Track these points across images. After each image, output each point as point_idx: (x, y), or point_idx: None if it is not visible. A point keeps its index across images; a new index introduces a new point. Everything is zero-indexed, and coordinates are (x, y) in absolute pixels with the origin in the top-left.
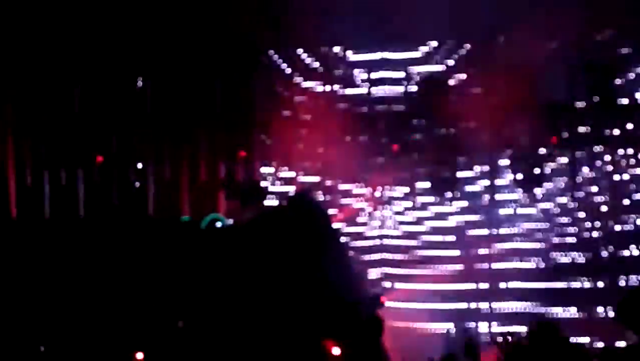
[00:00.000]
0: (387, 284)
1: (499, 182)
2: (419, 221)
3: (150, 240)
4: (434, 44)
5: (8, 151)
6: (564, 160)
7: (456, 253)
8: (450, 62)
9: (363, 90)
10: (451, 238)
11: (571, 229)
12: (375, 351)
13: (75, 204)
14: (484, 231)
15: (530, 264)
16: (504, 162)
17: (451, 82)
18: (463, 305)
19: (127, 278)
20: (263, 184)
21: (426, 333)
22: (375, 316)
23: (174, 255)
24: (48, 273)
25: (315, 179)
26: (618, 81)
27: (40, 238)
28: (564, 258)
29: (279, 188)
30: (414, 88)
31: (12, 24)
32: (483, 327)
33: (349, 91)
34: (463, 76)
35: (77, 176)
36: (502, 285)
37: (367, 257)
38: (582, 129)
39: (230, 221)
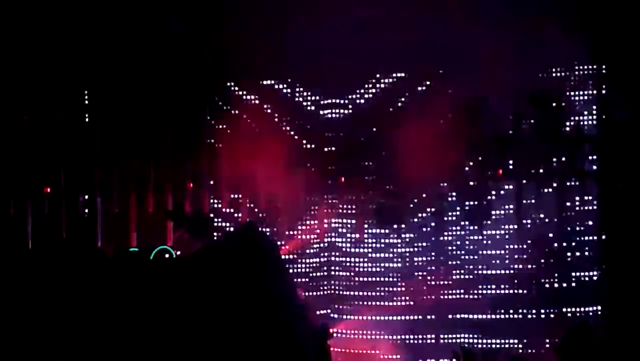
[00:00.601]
0: (334, 315)
1: (446, 213)
2: (366, 252)
3: (98, 271)
4: (383, 78)
5: None
6: (509, 191)
7: (404, 283)
8: (398, 95)
9: (312, 122)
10: (398, 268)
11: (517, 259)
12: None
13: (23, 235)
14: (432, 262)
15: (477, 294)
16: (451, 193)
17: (398, 115)
18: (410, 336)
19: (75, 309)
20: (211, 215)
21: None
22: (323, 348)
23: (122, 285)
24: None
25: (263, 209)
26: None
27: None
28: (510, 288)
29: (227, 218)
30: (361, 121)
31: None
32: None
33: (298, 123)
34: (410, 109)
35: (26, 207)
36: (450, 315)
37: (314, 288)
38: (527, 161)
39: (179, 253)
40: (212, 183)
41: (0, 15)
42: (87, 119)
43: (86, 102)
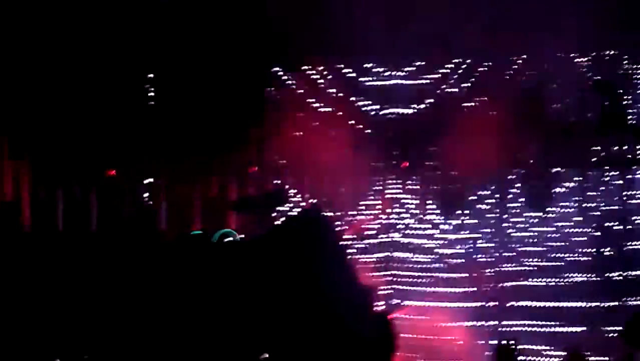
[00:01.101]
0: (396, 300)
1: (509, 201)
2: (428, 238)
3: (160, 254)
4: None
5: (22, 167)
6: (574, 180)
7: (466, 269)
8: (462, 80)
9: (375, 106)
10: (461, 254)
11: (582, 249)
12: None
13: (87, 219)
14: (494, 248)
15: (542, 283)
16: (515, 181)
17: (463, 99)
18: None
19: (138, 292)
20: (278, 192)
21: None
22: (385, 333)
23: (184, 269)
24: (60, 288)
25: (326, 194)
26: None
27: (52, 252)
28: (575, 277)
29: (288, 203)
30: (425, 105)
31: (19, 39)
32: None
33: (361, 106)
34: (475, 94)
35: (90, 191)
36: (512, 304)
37: (375, 273)
38: (593, 149)
39: (241, 236)
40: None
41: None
42: (151, 104)
43: (150, 87)
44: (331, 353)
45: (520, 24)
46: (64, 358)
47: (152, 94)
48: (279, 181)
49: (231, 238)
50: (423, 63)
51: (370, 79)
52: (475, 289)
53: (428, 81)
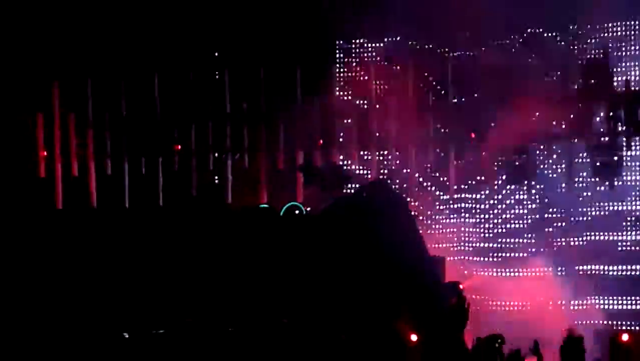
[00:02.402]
0: (465, 271)
1: (576, 169)
2: (496, 209)
3: (228, 227)
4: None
5: (88, 141)
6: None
7: (533, 239)
8: (529, 50)
9: (440, 77)
10: (528, 224)
11: None
12: (455, 340)
13: (154, 193)
14: (561, 218)
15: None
16: (581, 149)
17: (528, 69)
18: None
19: (207, 264)
20: (342, 166)
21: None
22: (458, 304)
23: (253, 242)
24: (129, 261)
25: (393, 167)
26: None
27: (120, 227)
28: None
29: (356, 175)
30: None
31: (91, 17)
32: None
33: (427, 78)
34: (540, 64)
35: (157, 165)
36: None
37: (444, 245)
38: None
39: (309, 209)
40: (341, 140)
41: None
42: (217, 78)
43: (217, 61)
44: (404, 324)
45: None
46: (134, 330)
47: (218, 65)
48: (345, 155)
49: (298, 212)
50: (488, 37)
51: (437, 51)
52: (544, 257)
53: (496, 52)
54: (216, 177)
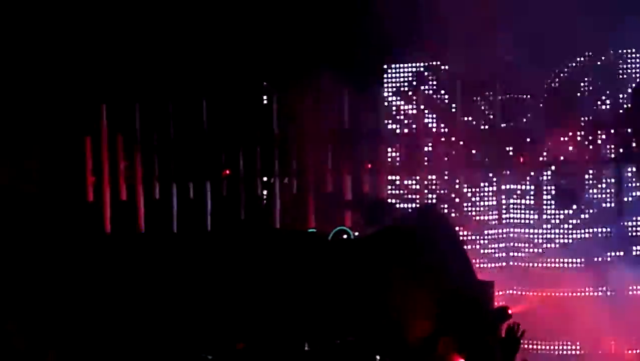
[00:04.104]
0: (514, 295)
1: (624, 192)
2: (545, 232)
3: (277, 251)
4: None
5: (136, 165)
6: None
7: (583, 263)
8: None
9: (487, 100)
10: (577, 248)
11: None
12: None
13: (203, 217)
14: (612, 243)
15: None
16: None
17: (574, 95)
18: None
19: (257, 289)
20: (388, 201)
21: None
22: (509, 333)
23: (301, 266)
24: (177, 285)
25: (441, 191)
26: None
27: (168, 252)
28: None
29: (403, 200)
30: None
31: (139, 40)
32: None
33: (475, 101)
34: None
35: (205, 190)
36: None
37: (493, 268)
38: None
39: (357, 233)
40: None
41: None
42: (265, 102)
43: (265, 84)
44: (451, 353)
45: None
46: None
47: (266, 88)
48: (394, 177)
49: (346, 236)
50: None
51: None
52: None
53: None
54: (264, 201)
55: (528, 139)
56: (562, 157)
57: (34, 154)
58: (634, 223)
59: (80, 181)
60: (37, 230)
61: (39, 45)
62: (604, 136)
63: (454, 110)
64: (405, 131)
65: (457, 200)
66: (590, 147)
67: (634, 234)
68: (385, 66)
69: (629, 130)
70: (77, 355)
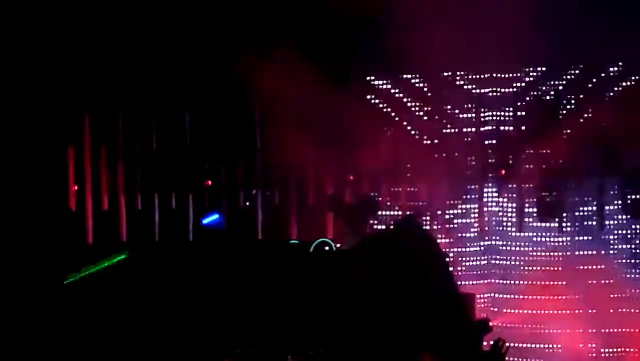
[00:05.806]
0: (495, 308)
1: (608, 207)
2: (527, 246)
3: (259, 262)
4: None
5: (118, 175)
6: None
7: (565, 277)
8: (559, 86)
9: (470, 112)
10: (559, 262)
11: None
12: None
13: (184, 228)
14: (594, 257)
15: None
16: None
17: (557, 104)
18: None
19: (238, 300)
20: (372, 201)
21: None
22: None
23: (283, 277)
24: (158, 296)
25: (422, 202)
26: None
27: (149, 261)
28: None
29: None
30: (522, 111)
31: (123, 50)
32: None
33: (456, 114)
34: (571, 100)
35: (187, 201)
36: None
37: (474, 281)
38: None
39: (338, 245)
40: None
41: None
42: (247, 113)
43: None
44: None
45: (616, 29)
46: None
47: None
48: (374, 190)
49: (327, 248)
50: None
51: (469, 87)
52: (576, 295)
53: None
54: (246, 212)
55: (510, 155)
56: (544, 169)
57: (17, 162)
58: (615, 236)
59: (62, 190)
60: (20, 239)
61: (22, 55)
62: (586, 150)
63: (436, 121)
64: (388, 141)
65: (438, 212)
66: (572, 160)
67: (615, 247)
68: (368, 78)
69: (611, 144)
70: None
